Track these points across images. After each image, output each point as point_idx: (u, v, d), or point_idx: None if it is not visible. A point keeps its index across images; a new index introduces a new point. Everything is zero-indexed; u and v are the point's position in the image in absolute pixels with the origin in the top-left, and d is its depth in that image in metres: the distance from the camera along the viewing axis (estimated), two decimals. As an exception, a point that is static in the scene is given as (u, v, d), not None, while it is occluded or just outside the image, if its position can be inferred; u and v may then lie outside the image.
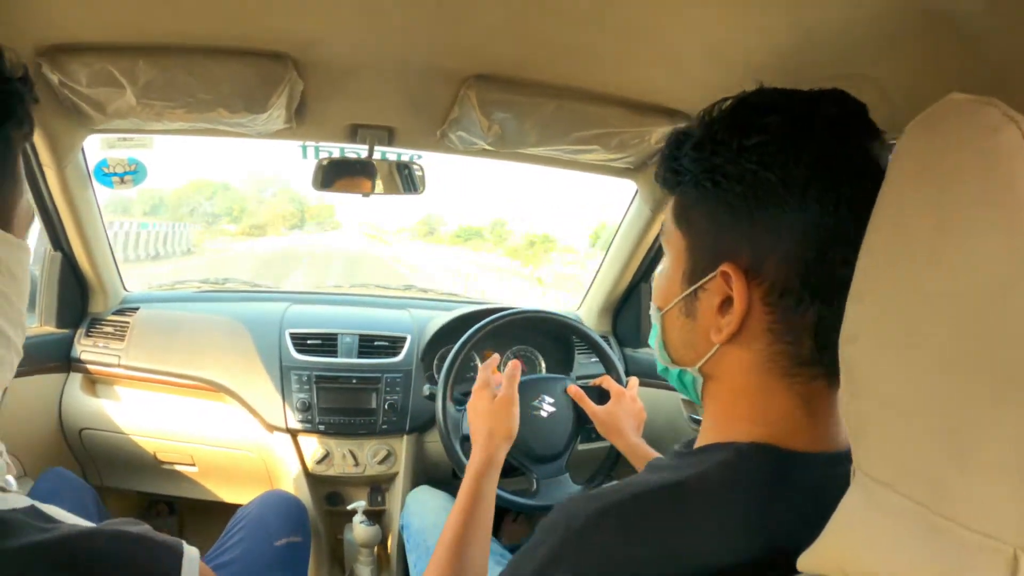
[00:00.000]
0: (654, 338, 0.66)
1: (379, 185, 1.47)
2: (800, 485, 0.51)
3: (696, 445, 0.59)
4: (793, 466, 0.52)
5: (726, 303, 0.55)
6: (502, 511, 1.85)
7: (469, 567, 0.82)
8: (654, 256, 1.81)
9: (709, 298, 0.56)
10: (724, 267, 0.53)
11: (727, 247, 0.54)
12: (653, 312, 0.66)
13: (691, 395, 0.64)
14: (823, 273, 0.50)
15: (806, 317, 0.52)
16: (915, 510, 0.36)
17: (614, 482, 0.57)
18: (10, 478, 0.55)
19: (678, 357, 0.63)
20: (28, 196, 0.56)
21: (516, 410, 1.02)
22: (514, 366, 1.08)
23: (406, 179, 1.48)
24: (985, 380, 0.33)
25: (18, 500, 0.51)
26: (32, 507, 0.51)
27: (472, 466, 0.95)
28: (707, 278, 0.56)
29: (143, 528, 0.54)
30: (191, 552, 0.54)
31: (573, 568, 0.49)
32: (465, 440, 1.22)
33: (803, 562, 0.43)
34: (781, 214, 0.51)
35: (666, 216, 0.63)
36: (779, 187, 0.51)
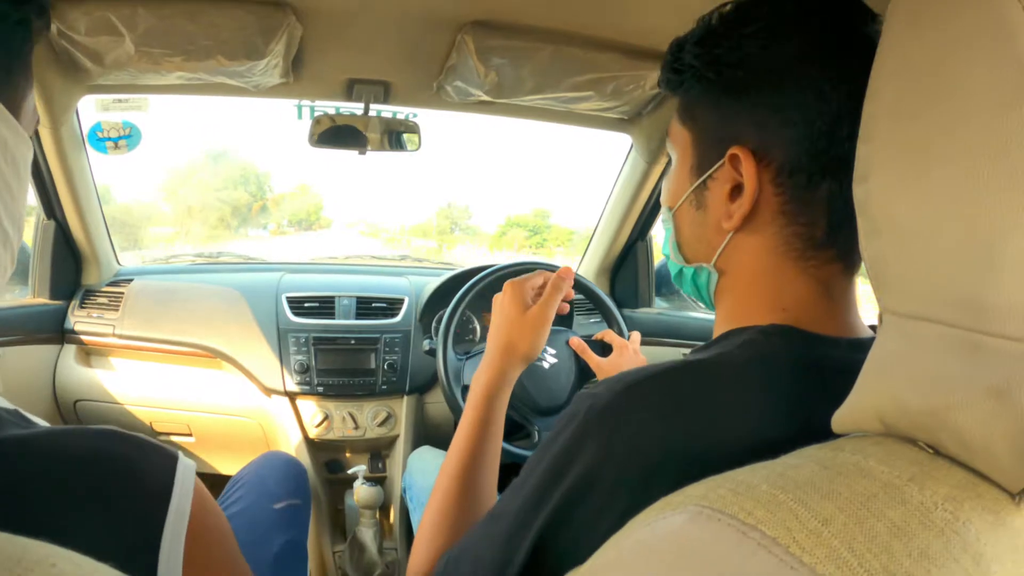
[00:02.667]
0: (667, 241, 0.66)
1: (374, 142, 1.47)
2: (826, 365, 0.50)
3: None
4: (819, 346, 0.52)
5: (736, 190, 0.55)
6: (505, 468, 1.85)
7: (476, 501, 0.75)
8: (651, 212, 1.82)
9: (719, 187, 0.56)
10: (732, 150, 0.54)
11: (733, 132, 0.55)
12: (664, 214, 0.66)
13: (704, 298, 0.64)
14: (831, 149, 0.50)
15: (817, 195, 0.52)
16: (952, 334, 0.35)
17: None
18: None
19: (692, 254, 0.63)
20: (34, 99, 0.56)
21: (547, 330, 0.85)
22: (565, 273, 0.88)
23: (401, 137, 1.49)
24: (1001, 189, 0.33)
25: (2, 400, 0.49)
26: (16, 411, 0.49)
27: (480, 381, 0.82)
28: (715, 166, 0.56)
29: (134, 432, 0.50)
30: (187, 461, 0.51)
31: (600, 446, 0.48)
32: (467, 390, 1.22)
33: (837, 421, 0.42)
34: (785, 94, 0.52)
35: (672, 121, 0.63)
36: (781, 68, 0.52)
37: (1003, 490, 0.35)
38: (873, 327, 0.57)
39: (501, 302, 0.88)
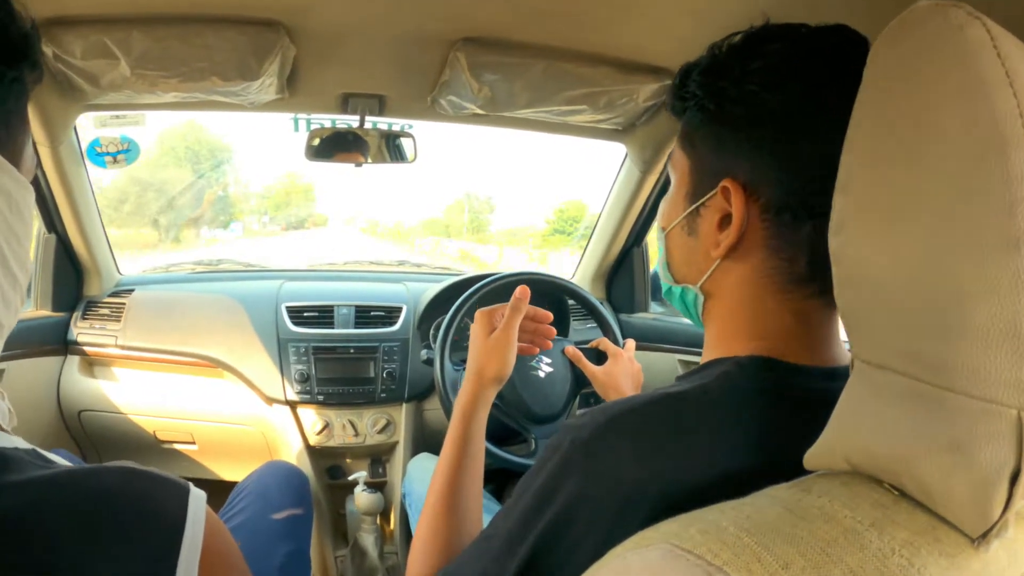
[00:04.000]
0: (659, 259, 0.68)
1: (370, 155, 1.49)
2: (801, 395, 0.53)
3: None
4: (793, 376, 0.54)
5: (725, 220, 0.57)
6: (503, 475, 1.87)
7: (464, 512, 0.79)
8: (646, 219, 1.83)
9: (710, 215, 0.58)
10: (724, 183, 0.55)
11: (727, 165, 0.56)
12: (658, 233, 0.68)
13: (693, 316, 0.65)
14: (820, 193, 0.49)
15: (800, 234, 0.53)
16: (916, 387, 0.37)
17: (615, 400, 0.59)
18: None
19: (681, 275, 0.65)
20: (32, 145, 0.57)
21: (512, 350, 0.89)
22: (520, 294, 0.91)
23: (398, 148, 1.50)
24: (968, 253, 0.34)
25: (20, 441, 0.51)
26: (34, 450, 0.51)
27: (459, 404, 0.87)
28: (708, 196, 0.58)
29: (148, 468, 0.53)
30: (198, 492, 0.53)
31: (581, 478, 0.50)
32: None
33: (809, 459, 0.44)
34: (782, 136, 0.53)
35: (674, 145, 0.65)
36: (781, 109, 0.52)
37: (962, 534, 0.36)
38: None
39: (472, 331, 0.92)
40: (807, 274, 0.55)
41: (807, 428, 0.45)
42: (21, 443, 0.51)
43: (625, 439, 0.51)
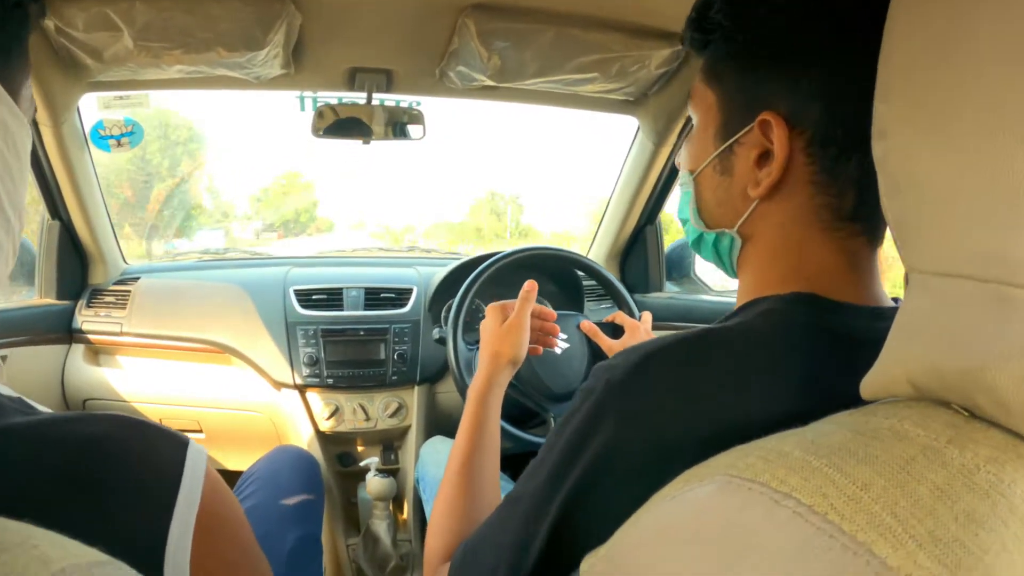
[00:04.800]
0: (685, 206, 0.64)
1: (378, 132, 1.46)
2: (847, 333, 0.49)
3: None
4: (839, 313, 0.51)
5: (764, 156, 0.53)
6: (522, 459, 1.85)
7: (480, 492, 0.79)
8: (659, 195, 1.81)
9: (746, 152, 0.55)
10: (764, 115, 0.52)
11: (764, 97, 0.52)
12: (684, 178, 0.64)
13: (725, 265, 0.62)
14: (866, 122, 0.45)
15: (849, 167, 0.50)
16: (982, 289, 0.34)
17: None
18: None
19: (714, 220, 0.61)
20: (31, 87, 0.55)
21: (525, 336, 0.94)
22: (529, 287, 0.98)
23: (405, 124, 1.48)
24: (1020, 140, 0.32)
25: (5, 389, 0.48)
26: (20, 398, 0.48)
27: (474, 387, 0.90)
28: (743, 131, 0.54)
29: (141, 418, 0.49)
30: (198, 447, 0.49)
31: (617, 422, 0.47)
32: None
33: (866, 387, 0.41)
34: (824, 62, 0.49)
35: (695, 81, 0.61)
36: (822, 34, 0.49)
37: None
38: (896, 299, 0.55)
39: (485, 323, 0.98)
40: (855, 210, 0.51)
41: (859, 366, 0.42)
42: (5, 390, 0.48)
43: (663, 377, 0.47)
